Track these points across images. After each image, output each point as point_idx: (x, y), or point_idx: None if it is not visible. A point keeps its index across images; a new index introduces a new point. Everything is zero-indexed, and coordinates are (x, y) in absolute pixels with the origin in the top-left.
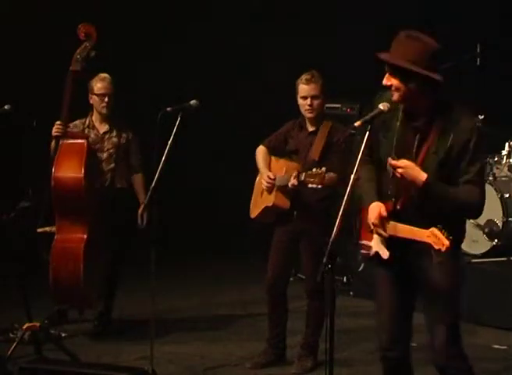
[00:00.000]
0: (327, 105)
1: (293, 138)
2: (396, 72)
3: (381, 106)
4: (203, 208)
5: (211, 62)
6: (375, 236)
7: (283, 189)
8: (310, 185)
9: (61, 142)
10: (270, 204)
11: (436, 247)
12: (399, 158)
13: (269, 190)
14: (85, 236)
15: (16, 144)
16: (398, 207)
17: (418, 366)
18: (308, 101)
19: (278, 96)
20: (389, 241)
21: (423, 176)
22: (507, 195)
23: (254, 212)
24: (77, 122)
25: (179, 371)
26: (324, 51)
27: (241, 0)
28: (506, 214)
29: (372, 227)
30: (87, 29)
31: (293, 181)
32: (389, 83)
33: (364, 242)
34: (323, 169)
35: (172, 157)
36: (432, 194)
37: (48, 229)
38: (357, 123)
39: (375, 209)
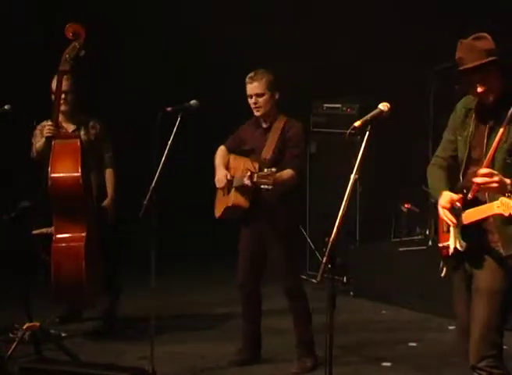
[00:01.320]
0: (327, 105)
1: (249, 137)
2: (485, 73)
3: (381, 106)
4: (203, 208)
5: (211, 62)
6: (451, 232)
7: (241, 189)
8: (262, 186)
9: (53, 142)
10: (230, 204)
11: (506, 214)
12: (472, 153)
13: (226, 190)
14: (84, 234)
15: (17, 144)
16: (469, 196)
17: (419, 366)
18: (253, 99)
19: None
20: (464, 233)
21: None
22: None
23: (217, 212)
24: (45, 123)
25: (179, 371)
26: (324, 51)
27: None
28: None
29: (442, 213)
30: (74, 28)
31: (246, 182)
32: (484, 89)
33: (443, 244)
34: (273, 169)
35: (172, 157)
36: None
37: (44, 230)
38: (357, 123)
39: (447, 196)
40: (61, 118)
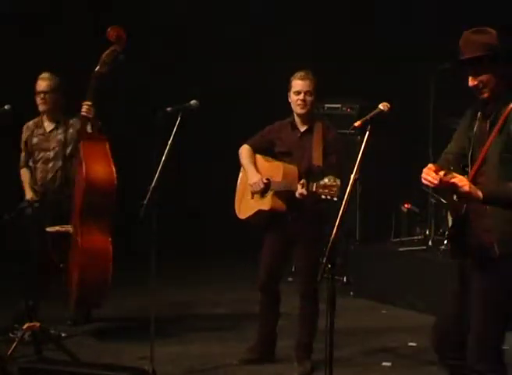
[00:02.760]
0: (327, 105)
1: (282, 139)
2: (477, 66)
3: (381, 106)
4: (203, 207)
5: (211, 63)
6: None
7: (281, 194)
8: (323, 196)
9: (82, 143)
10: (266, 208)
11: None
12: (476, 152)
13: (260, 193)
14: (109, 236)
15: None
16: None
17: (419, 366)
18: (301, 96)
19: (278, 97)
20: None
21: (479, 196)
22: None
23: (245, 213)
24: (30, 122)
25: (179, 371)
26: (324, 51)
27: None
28: None
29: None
30: (117, 32)
31: (301, 191)
32: (475, 83)
33: None
34: (338, 181)
35: (172, 157)
36: (493, 203)
37: (57, 228)
38: (357, 123)
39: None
40: (44, 117)
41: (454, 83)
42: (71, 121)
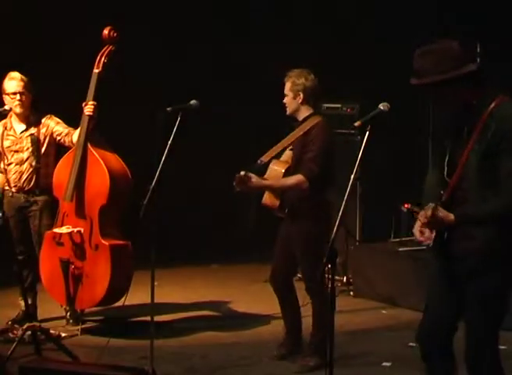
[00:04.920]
0: (327, 105)
1: None
2: (437, 88)
3: (381, 106)
4: (203, 207)
5: (211, 62)
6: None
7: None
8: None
9: (91, 144)
10: (263, 202)
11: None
12: (452, 160)
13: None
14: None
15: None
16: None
17: (420, 366)
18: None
19: (278, 96)
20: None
21: (451, 220)
22: None
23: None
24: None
25: (179, 371)
26: (324, 51)
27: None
28: None
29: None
30: (114, 32)
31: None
32: (442, 102)
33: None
34: (242, 173)
35: (171, 157)
36: (467, 223)
37: (65, 228)
38: (357, 123)
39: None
40: (14, 118)
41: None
42: (43, 120)
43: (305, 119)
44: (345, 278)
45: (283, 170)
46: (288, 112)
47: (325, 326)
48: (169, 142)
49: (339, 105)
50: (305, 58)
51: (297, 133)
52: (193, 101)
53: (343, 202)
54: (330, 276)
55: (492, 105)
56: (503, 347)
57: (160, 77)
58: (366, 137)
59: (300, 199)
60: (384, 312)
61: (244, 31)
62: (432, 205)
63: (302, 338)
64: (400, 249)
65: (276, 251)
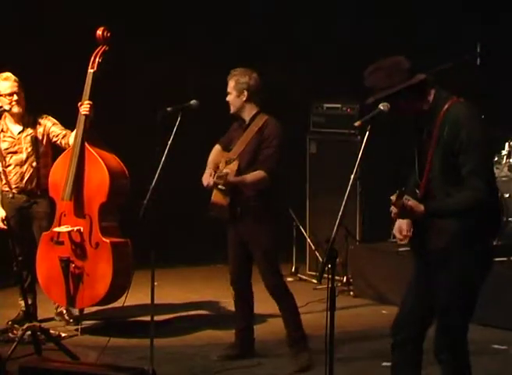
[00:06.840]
0: (327, 105)
1: (233, 135)
2: (390, 101)
3: (381, 106)
4: (203, 207)
5: (211, 62)
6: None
7: (226, 189)
8: (219, 186)
9: (87, 142)
10: (211, 200)
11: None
12: (420, 163)
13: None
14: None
15: None
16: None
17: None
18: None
19: (278, 97)
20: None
21: (421, 211)
22: (507, 195)
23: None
24: None
25: (179, 371)
26: (324, 51)
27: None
28: (506, 214)
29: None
30: (108, 32)
31: (208, 180)
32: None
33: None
34: (226, 171)
35: (171, 157)
36: (435, 215)
37: (65, 228)
38: (357, 123)
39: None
40: (9, 119)
41: (454, 83)
42: (40, 120)
43: (253, 118)
44: (345, 278)
45: (235, 168)
46: (232, 111)
47: (299, 318)
48: (169, 142)
49: (339, 105)
50: (306, 57)
51: (252, 130)
52: (193, 101)
53: (343, 202)
54: (330, 276)
55: (445, 107)
56: (503, 347)
57: (160, 77)
58: (366, 137)
59: (253, 197)
60: (384, 312)
61: (244, 31)
62: (397, 192)
63: (254, 339)
64: (400, 249)
65: (231, 254)
